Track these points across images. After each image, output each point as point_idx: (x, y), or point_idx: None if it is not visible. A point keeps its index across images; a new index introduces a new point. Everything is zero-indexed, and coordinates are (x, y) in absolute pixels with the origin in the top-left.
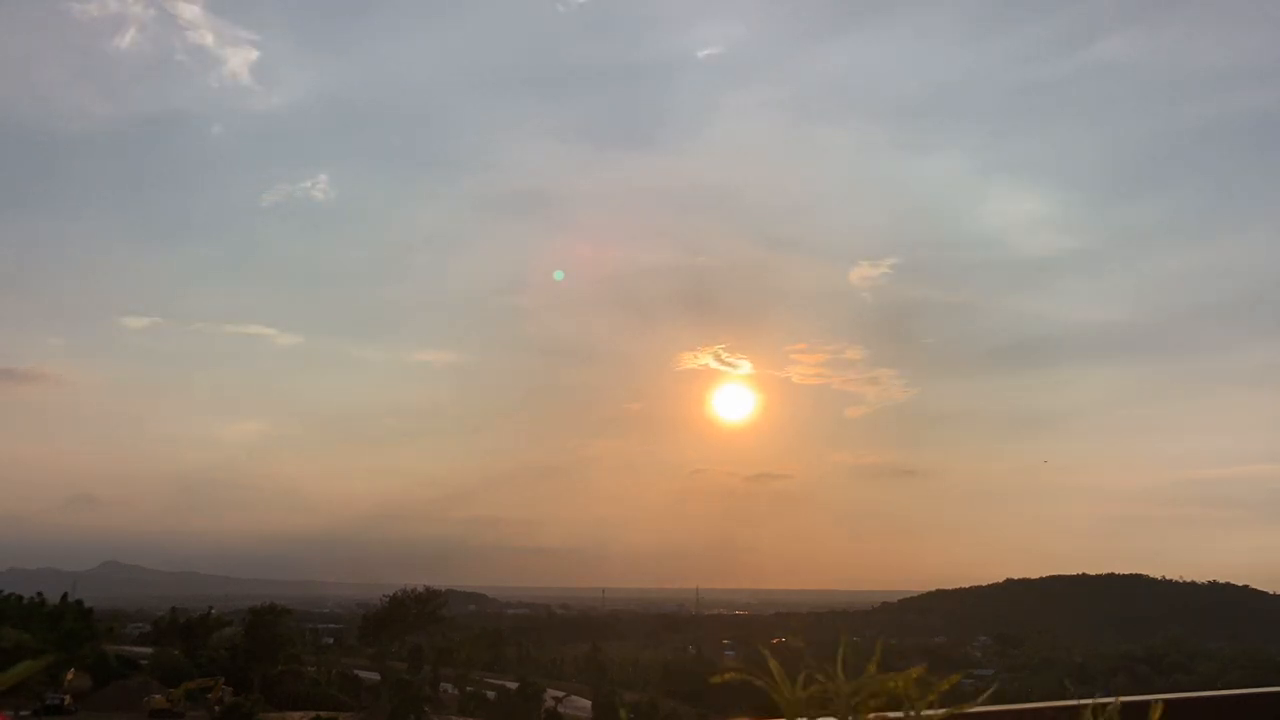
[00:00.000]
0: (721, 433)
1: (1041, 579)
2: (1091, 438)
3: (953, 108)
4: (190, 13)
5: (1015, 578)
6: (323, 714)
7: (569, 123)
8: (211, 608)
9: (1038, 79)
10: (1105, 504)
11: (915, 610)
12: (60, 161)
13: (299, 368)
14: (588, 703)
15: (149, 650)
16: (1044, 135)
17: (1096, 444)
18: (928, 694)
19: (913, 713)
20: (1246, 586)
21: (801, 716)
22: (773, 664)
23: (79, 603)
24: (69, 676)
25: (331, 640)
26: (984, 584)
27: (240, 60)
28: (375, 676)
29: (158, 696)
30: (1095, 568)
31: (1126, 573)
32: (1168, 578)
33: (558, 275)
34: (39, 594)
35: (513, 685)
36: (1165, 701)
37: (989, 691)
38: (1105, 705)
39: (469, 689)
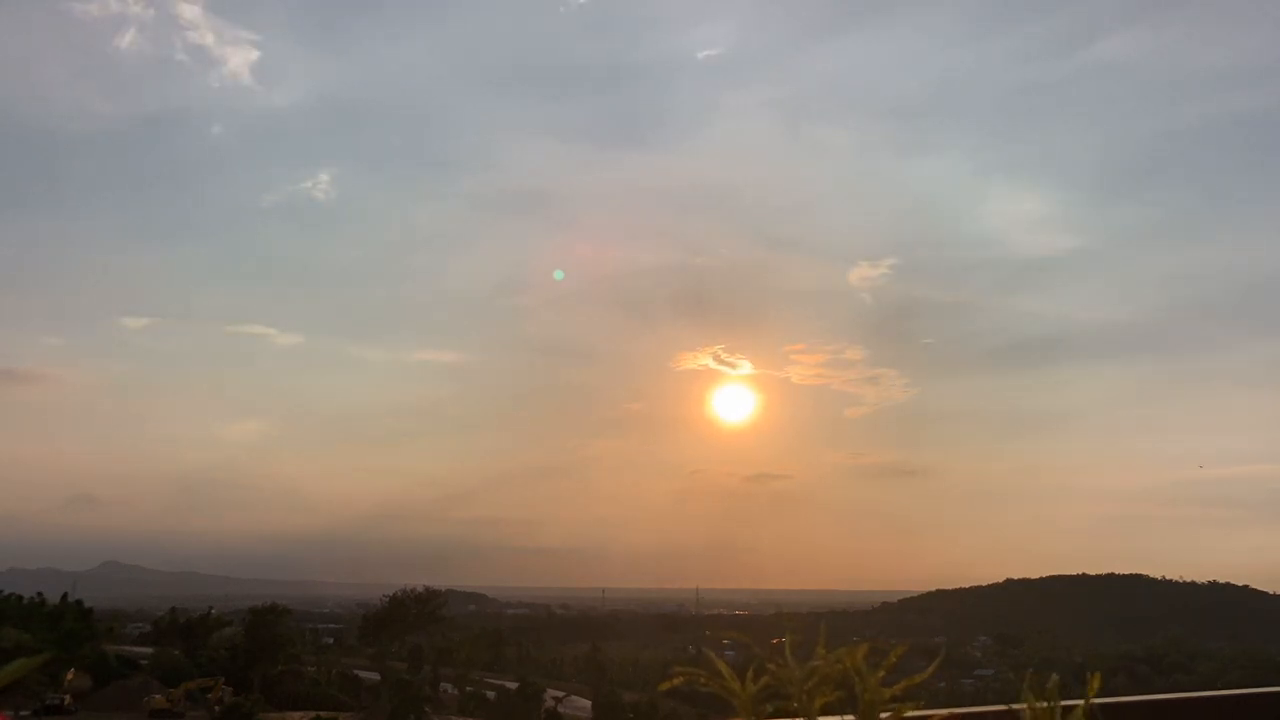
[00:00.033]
0: (721, 433)
1: (1041, 579)
2: (1091, 438)
3: (952, 108)
4: (190, 13)
5: (1015, 578)
6: (323, 714)
7: (569, 123)
8: (211, 608)
9: (1038, 79)
10: (1105, 504)
11: (915, 610)
12: (60, 161)
13: (299, 368)
14: (588, 703)
15: (149, 650)
16: (1044, 135)
17: (1096, 444)
18: (878, 668)
19: (868, 695)
20: (1246, 586)
21: (758, 712)
22: (720, 664)
23: (79, 603)
24: (69, 676)
25: (331, 640)
26: (984, 584)
27: (240, 60)
28: (375, 676)
29: (158, 696)
30: (1095, 568)
31: (1126, 573)
32: (1168, 578)
33: (558, 275)
34: (39, 594)
35: (513, 685)
36: (1164, 702)
37: (938, 659)
38: (1072, 707)
39: (469, 689)
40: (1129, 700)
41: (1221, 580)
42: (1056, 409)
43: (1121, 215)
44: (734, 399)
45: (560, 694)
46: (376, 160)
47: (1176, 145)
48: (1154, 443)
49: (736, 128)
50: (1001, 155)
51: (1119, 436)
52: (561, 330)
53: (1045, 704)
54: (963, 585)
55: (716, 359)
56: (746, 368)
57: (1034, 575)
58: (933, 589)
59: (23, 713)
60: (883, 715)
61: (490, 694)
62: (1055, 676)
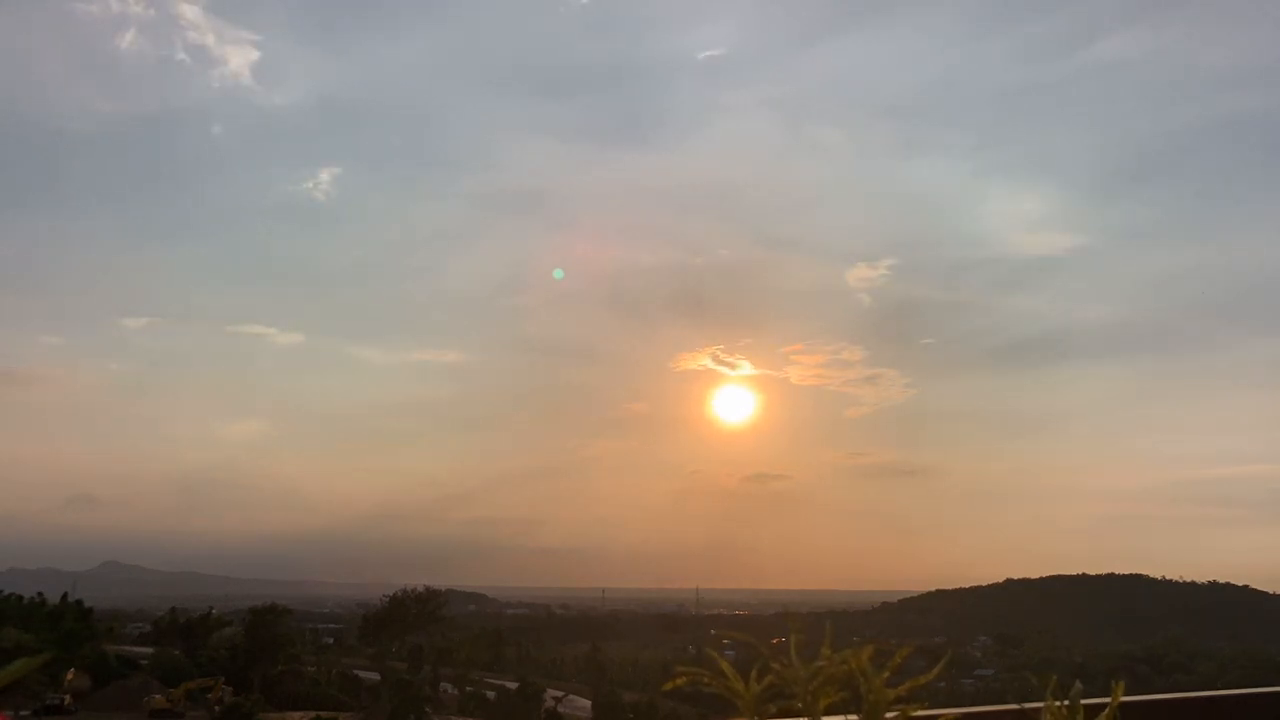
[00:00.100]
0: (721, 433)
1: (1041, 579)
2: (1092, 438)
3: (952, 108)
4: (191, 13)
5: (1015, 578)
6: (323, 714)
7: (569, 123)
8: (211, 608)
9: (1037, 79)
10: (1105, 504)
11: (915, 610)
12: (60, 161)
13: (299, 368)
14: (587, 703)
15: (149, 650)
16: (1043, 135)
17: (1097, 444)
18: (883, 669)
19: (871, 695)
20: (1246, 586)
21: (762, 712)
22: (723, 664)
23: (79, 603)
24: (69, 676)
25: (331, 640)
26: (984, 584)
27: (241, 60)
28: (375, 676)
29: (158, 696)
30: (1095, 568)
31: (1126, 573)
32: (1168, 578)
33: (557, 274)
34: (39, 594)
35: (513, 685)
36: (1164, 702)
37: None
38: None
39: (469, 689)
40: (1129, 700)
41: (1221, 580)
42: (1056, 409)
43: (1121, 215)
44: (733, 399)
45: (560, 694)
46: (376, 160)
47: (1176, 145)
48: (1154, 443)
49: (736, 128)
50: (1001, 155)
51: (1119, 436)
52: (561, 330)
53: (1061, 703)
54: (963, 585)
55: (716, 359)
56: (746, 368)
57: (1034, 575)
58: (933, 589)
59: (23, 713)
60: (888, 716)
61: (490, 694)
62: (1078, 684)
